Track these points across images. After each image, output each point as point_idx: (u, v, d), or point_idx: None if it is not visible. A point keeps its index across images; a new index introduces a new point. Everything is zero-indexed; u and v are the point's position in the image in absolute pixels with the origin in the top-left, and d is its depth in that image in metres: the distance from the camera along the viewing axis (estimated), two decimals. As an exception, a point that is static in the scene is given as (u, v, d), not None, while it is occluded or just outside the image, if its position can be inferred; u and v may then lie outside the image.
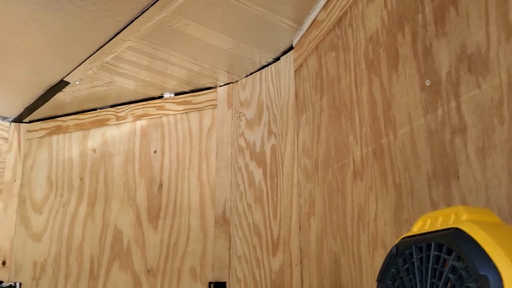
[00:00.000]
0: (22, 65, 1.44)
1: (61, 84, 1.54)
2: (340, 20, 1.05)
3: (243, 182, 1.41)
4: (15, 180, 1.82)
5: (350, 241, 0.94)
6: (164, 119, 1.67)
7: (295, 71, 1.29)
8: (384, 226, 0.83)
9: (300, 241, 1.19)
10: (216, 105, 1.57)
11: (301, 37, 1.25)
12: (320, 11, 1.14)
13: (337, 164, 1.02)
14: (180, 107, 1.64)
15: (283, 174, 1.27)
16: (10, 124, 1.86)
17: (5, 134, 1.84)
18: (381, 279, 0.54)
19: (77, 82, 1.53)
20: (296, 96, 1.27)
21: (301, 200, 1.20)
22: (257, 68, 1.46)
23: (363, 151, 0.91)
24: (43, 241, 1.73)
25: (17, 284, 1.72)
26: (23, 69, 1.47)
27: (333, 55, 1.07)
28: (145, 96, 1.70)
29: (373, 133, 0.88)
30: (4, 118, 1.85)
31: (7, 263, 1.76)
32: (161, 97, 1.69)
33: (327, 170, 1.06)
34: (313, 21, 1.17)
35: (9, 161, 1.82)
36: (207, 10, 1.17)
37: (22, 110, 1.78)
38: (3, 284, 1.70)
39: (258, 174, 1.36)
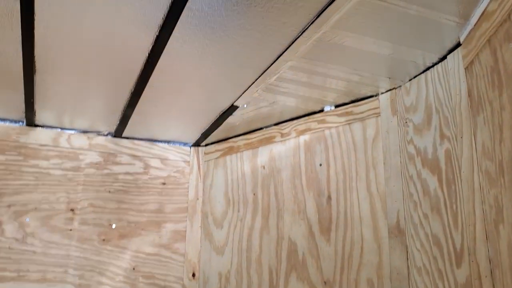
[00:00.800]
0: (198, 96, 1.61)
1: (232, 109, 1.67)
2: (515, 7, 0.96)
3: (416, 191, 1.35)
4: (197, 198, 2.02)
5: (553, 251, 0.84)
6: (327, 132, 1.69)
7: (465, 69, 1.20)
8: None
9: (488, 251, 1.09)
10: (379, 113, 1.55)
11: (469, 32, 1.16)
12: (489, 2, 1.05)
13: (528, 166, 0.92)
14: (342, 119, 1.65)
15: (461, 180, 1.19)
16: (190, 149, 2.08)
17: (187, 158, 2.06)
18: None
19: (245, 105, 1.65)
20: (469, 95, 1.18)
21: (486, 207, 1.10)
22: (421, 71, 1.40)
23: (560, 149, 0.81)
24: (226, 254, 1.88)
25: (205, 293, 1.90)
26: (199, 99, 1.64)
27: (511, 46, 0.98)
28: (306, 112, 1.75)
29: None
30: (185, 144, 2.08)
31: (196, 275, 1.95)
32: (321, 110, 1.72)
33: (515, 173, 0.96)
34: (482, 13, 1.08)
35: (192, 182, 2.04)
36: (365, 19, 1.16)
37: (199, 135, 1.98)
38: (194, 293, 1.89)
39: (432, 182, 1.30)
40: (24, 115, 1.74)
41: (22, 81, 1.46)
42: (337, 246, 1.56)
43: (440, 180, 1.27)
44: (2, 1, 1.06)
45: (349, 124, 1.63)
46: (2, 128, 1.77)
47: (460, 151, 1.21)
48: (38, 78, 1.45)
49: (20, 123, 1.81)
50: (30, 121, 1.78)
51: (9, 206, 1.72)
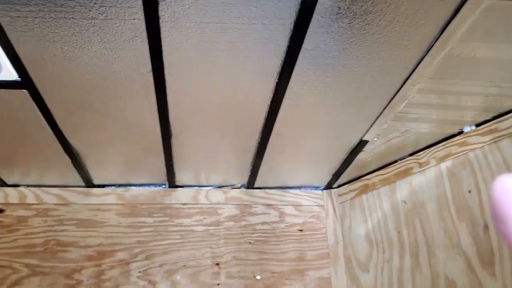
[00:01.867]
0: (324, 136, 1.58)
1: (361, 144, 1.61)
2: None
3: None
4: (338, 243, 1.95)
5: None
6: (471, 154, 1.53)
7: None
8: None
9: None
10: (530, 125, 1.37)
11: None
12: None
13: None
14: (486, 138, 1.49)
15: None
16: (323, 192, 2.04)
17: (321, 202, 2.02)
18: None
19: (375, 139, 1.58)
20: None
21: None
22: None
23: None
24: (376, 299, 1.76)
25: None
26: (325, 139, 1.61)
27: None
28: (444, 136, 1.62)
29: None
30: (317, 188, 2.05)
31: (347, 322, 1.85)
32: (461, 132, 1.58)
33: None
34: None
35: (329, 226, 1.98)
36: (497, 24, 1.05)
37: (330, 177, 1.93)
38: None
39: None
40: (166, 178, 1.86)
41: (162, 146, 1.57)
42: (506, 281, 1.36)
43: None
44: (138, 76, 1.17)
45: (495, 142, 1.46)
46: (149, 192, 1.92)
47: None
48: (174, 142, 1.55)
49: (163, 186, 1.94)
50: (172, 183, 1.90)
51: (160, 265, 1.82)
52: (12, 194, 1.86)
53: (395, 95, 1.32)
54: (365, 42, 1.09)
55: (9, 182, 1.86)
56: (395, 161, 1.79)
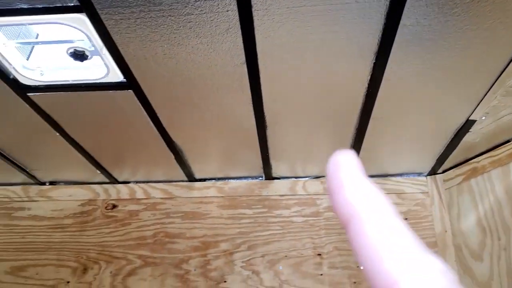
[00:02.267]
0: (426, 118, 1.50)
1: (468, 124, 1.50)
2: None
3: None
4: (446, 231, 1.84)
5: None
6: None
7: None
8: None
9: None
10: None
11: None
12: None
13: None
14: None
15: None
16: (427, 178, 1.94)
17: (425, 189, 1.92)
18: None
19: (483, 118, 1.47)
20: None
21: None
22: None
23: None
24: (492, 290, 1.64)
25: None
26: (427, 121, 1.52)
27: None
28: None
29: None
30: (419, 174, 1.95)
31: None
32: None
33: None
34: None
35: (435, 214, 1.87)
36: None
37: (434, 162, 1.83)
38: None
39: None
40: (262, 170, 1.88)
41: (257, 138, 1.59)
42: None
43: None
44: (233, 67, 1.19)
45: None
46: (246, 185, 1.96)
47: None
48: (269, 133, 1.56)
49: (260, 178, 1.97)
50: (268, 175, 1.92)
51: (263, 256, 1.85)
52: (123, 191, 2.00)
53: (505, 68, 1.21)
54: (469, 12, 1.01)
55: (120, 179, 2.00)
56: (508, 141, 1.65)
